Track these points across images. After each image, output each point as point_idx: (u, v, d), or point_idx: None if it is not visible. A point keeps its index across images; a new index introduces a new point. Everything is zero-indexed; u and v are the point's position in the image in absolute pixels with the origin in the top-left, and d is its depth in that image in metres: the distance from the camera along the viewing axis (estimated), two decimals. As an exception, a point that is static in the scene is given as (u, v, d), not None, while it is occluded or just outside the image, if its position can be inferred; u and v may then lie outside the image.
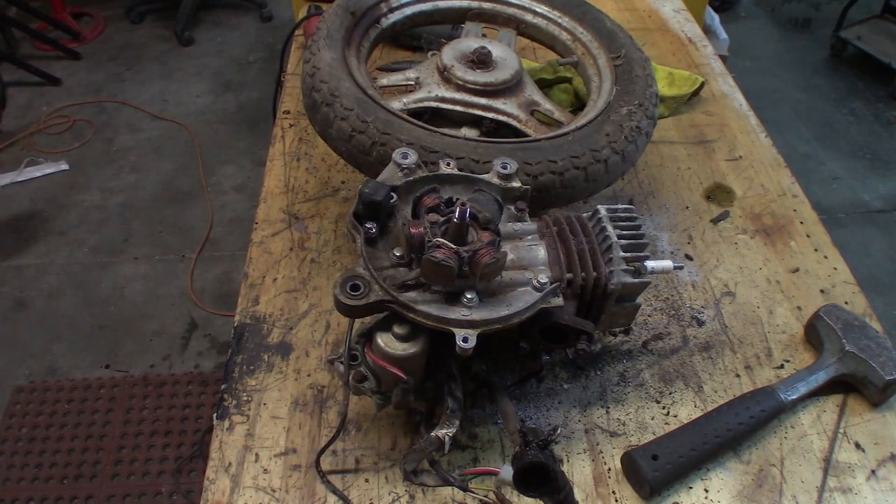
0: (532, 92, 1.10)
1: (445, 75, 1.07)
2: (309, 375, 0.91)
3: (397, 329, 0.71)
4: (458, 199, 0.72)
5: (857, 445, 0.85)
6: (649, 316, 1.00)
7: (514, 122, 1.06)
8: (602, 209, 0.84)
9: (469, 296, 0.70)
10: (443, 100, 1.06)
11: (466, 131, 1.05)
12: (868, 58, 3.77)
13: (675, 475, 0.80)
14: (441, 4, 1.23)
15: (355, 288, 0.69)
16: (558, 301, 0.75)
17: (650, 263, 0.83)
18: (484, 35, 1.23)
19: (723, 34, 3.01)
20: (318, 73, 0.98)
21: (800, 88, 3.78)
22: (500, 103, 1.06)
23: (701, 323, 0.99)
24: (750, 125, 1.34)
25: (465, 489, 0.75)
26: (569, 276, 0.78)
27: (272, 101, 1.92)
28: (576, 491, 0.77)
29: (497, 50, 1.10)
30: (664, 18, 1.66)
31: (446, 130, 0.95)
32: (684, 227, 1.14)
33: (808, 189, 1.21)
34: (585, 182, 0.95)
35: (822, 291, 1.04)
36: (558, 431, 0.70)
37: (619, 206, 0.85)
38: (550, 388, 0.90)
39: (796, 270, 1.07)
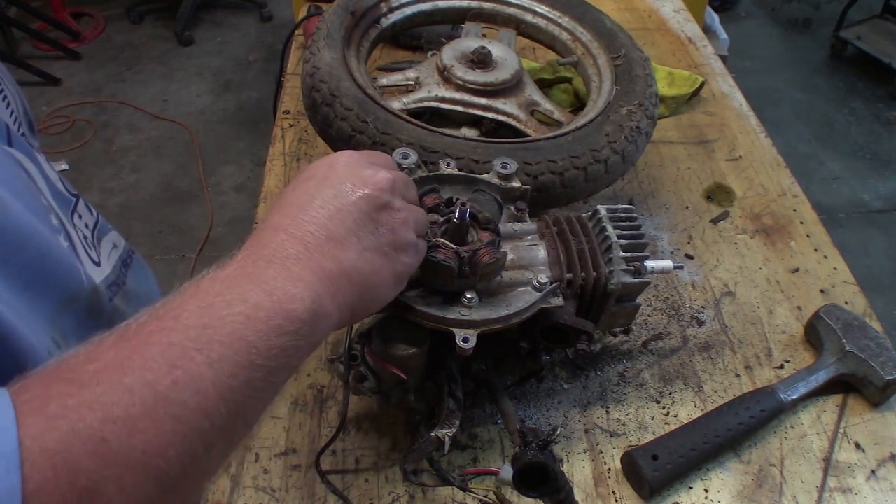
0: (532, 92, 1.10)
1: (445, 75, 1.07)
2: (309, 375, 0.91)
3: (397, 329, 0.71)
4: (458, 199, 0.72)
5: (857, 445, 0.85)
6: (649, 316, 1.00)
7: (514, 122, 1.06)
8: (602, 209, 0.84)
9: (469, 296, 0.70)
10: (443, 100, 1.06)
11: (466, 131, 1.05)
12: (868, 58, 3.77)
13: (675, 475, 0.80)
14: (441, 4, 1.23)
15: (355, 288, 0.69)
16: (558, 301, 0.75)
17: (650, 263, 0.83)
18: (484, 35, 1.23)
19: (723, 34, 3.01)
20: (318, 73, 0.98)
21: (800, 88, 3.78)
22: (500, 103, 1.06)
23: (701, 323, 0.99)
24: (750, 125, 1.34)
25: (464, 489, 0.75)
26: (569, 276, 0.78)
27: (272, 101, 1.92)
28: (576, 491, 0.77)
29: (497, 50, 1.10)
30: (664, 18, 1.66)
31: (446, 130, 0.95)
32: (684, 227, 1.14)
33: (808, 189, 1.21)
34: (585, 182, 0.95)
35: (822, 291, 1.04)
36: (558, 431, 0.70)
37: (619, 206, 0.85)
38: (550, 388, 0.90)
39: (796, 270, 1.07)
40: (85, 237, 0.71)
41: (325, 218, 0.55)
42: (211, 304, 0.47)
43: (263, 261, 0.51)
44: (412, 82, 1.09)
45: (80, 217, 0.71)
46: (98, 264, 0.71)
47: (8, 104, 0.66)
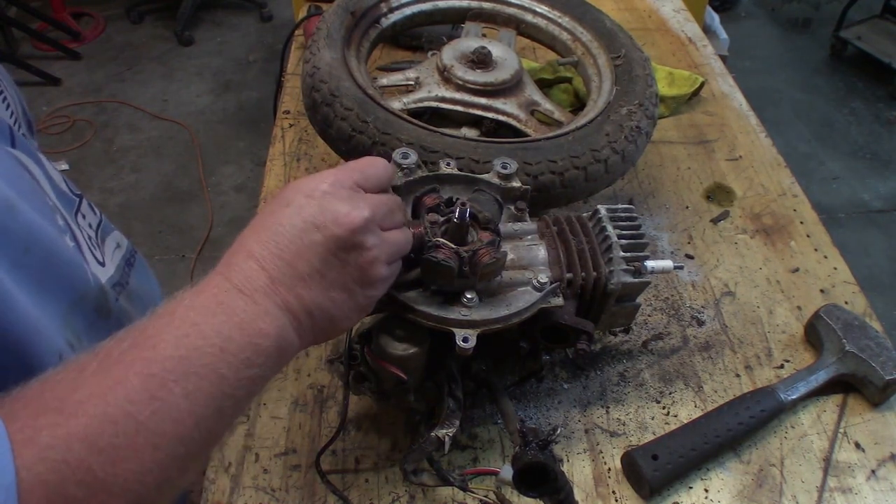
0: (532, 92, 1.10)
1: (445, 75, 1.07)
2: (309, 375, 0.91)
3: (397, 329, 0.71)
4: (458, 199, 0.72)
5: (857, 445, 0.85)
6: (649, 316, 1.00)
7: (514, 122, 1.06)
8: (602, 209, 0.84)
9: (469, 296, 0.70)
10: (443, 100, 1.06)
11: (466, 131, 1.05)
12: (868, 58, 3.77)
13: (675, 475, 0.80)
14: (441, 4, 1.23)
15: (355, 288, 0.69)
16: (558, 301, 0.75)
17: (650, 263, 0.83)
18: (484, 35, 1.23)
19: (723, 34, 3.01)
20: (318, 73, 0.98)
21: (800, 88, 3.78)
22: (500, 103, 1.06)
23: (701, 323, 0.99)
24: (750, 125, 1.34)
25: (465, 489, 0.75)
26: (569, 275, 0.78)
27: (272, 101, 1.92)
28: (576, 491, 0.77)
29: (497, 50, 1.10)
30: (664, 18, 1.66)
31: (446, 130, 0.95)
32: (684, 227, 1.14)
33: (808, 189, 1.21)
34: (585, 182, 0.95)
35: (822, 291, 1.04)
36: (558, 431, 0.70)
37: (619, 206, 0.85)
38: (550, 388, 0.90)
39: (796, 270, 1.07)
40: (89, 237, 0.71)
41: (293, 254, 0.55)
42: (186, 334, 0.49)
43: (235, 290, 0.53)
44: (412, 82, 1.09)
45: (83, 217, 0.71)
46: (102, 264, 0.72)
47: (8, 105, 0.66)
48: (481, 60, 1.07)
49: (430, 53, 1.14)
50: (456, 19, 1.26)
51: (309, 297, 0.56)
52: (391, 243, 0.62)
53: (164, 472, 0.46)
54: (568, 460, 0.83)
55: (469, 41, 1.11)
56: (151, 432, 0.45)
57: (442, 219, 0.71)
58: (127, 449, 0.44)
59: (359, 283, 0.59)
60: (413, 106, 1.05)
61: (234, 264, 0.55)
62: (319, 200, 0.58)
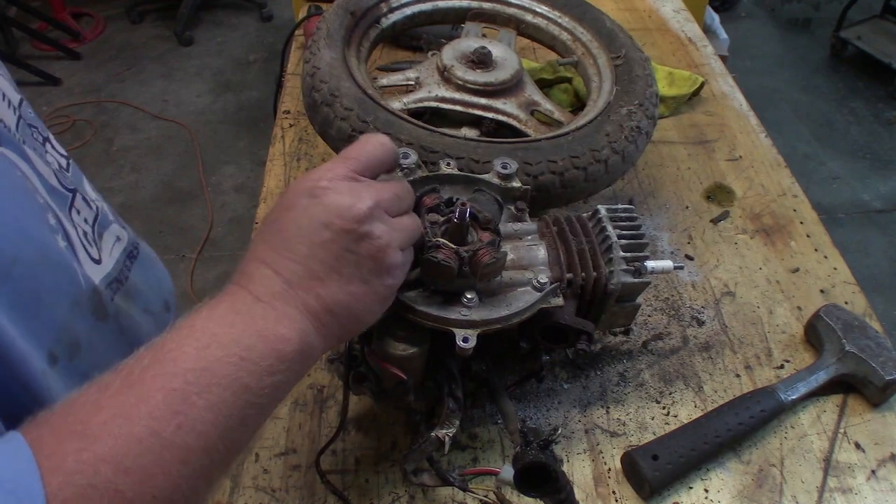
0: (532, 92, 1.10)
1: (445, 75, 1.07)
2: (309, 375, 0.91)
3: (397, 329, 0.71)
4: (458, 199, 0.72)
5: (857, 445, 0.85)
6: (649, 316, 1.00)
7: (514, 122, 1.06)
8: (602, 209, 0.84)
9: (469, 296, 0.70)
10: (443, 100, 1.06)
11: (466, 131, 1.05)
12: (868, 58, 3.77)
13: (675, 475, 0.80)
14: (441, 4, 1.23)
15: (355, 288, 0.69)
16: (558, 301, 0.75)
17: (650, 263, 0.83)
18: (484, 35, 1.23)
19: (723, 34, 3.01)
20: (318, 73, 0.98)
21: (800, 88, 3.78)
22: (500, 103, 1.06)
23: (701, 323, 0.99)
24: (750, 125, 1.34)
25: (465, 489, 0.75)
26: (569, 276, 0.78)
27: (272, 101, 1.92)
28: (576, 491, 0.77)
29: (497, 50, 1.10)
30: (664, 18, 1.66)
31: (446, 130, 0.95)
32: (684, 227, 1.14)
33: (808, 189, 1.21)
34: (585, 182, 0.95)
35: (822, 291, 1.04)
36: (558, 431, 0.70)
37: (619, 206, 0.85)
38: (550, 388, 0.90)
39: (796, 270, 1.07)
40: (85, 233, 0.70)
41: (306, 255, 0.55)
42: (206, 345, 0.49)
43: (252, 297, 0.53)
44: (412, 82, 1.09)
45: (78, 213, 0.71)
46: (98, 261, 0.71)
47: (3, 97, 0.66)
48: (481, 60, 1.07)
49: (430, 53, 1.14)
50: (456, 19, 1.26)
51: (328, 296, 0.55)
52: (401, 229, 0.61)
53: (192, 485, 0.46)
54: (568, 460, 0.83)
55: (469, 41, 1.11)
56: (177, 447, 0.45)
57: (442, 219, 0.71)
58: (154, 467, 0.44)
59: (375, 274, 0.59)
60: (413, 106, 1.05)
61: (247, 273, 0.55)
62: (321, 198, 0.57)
